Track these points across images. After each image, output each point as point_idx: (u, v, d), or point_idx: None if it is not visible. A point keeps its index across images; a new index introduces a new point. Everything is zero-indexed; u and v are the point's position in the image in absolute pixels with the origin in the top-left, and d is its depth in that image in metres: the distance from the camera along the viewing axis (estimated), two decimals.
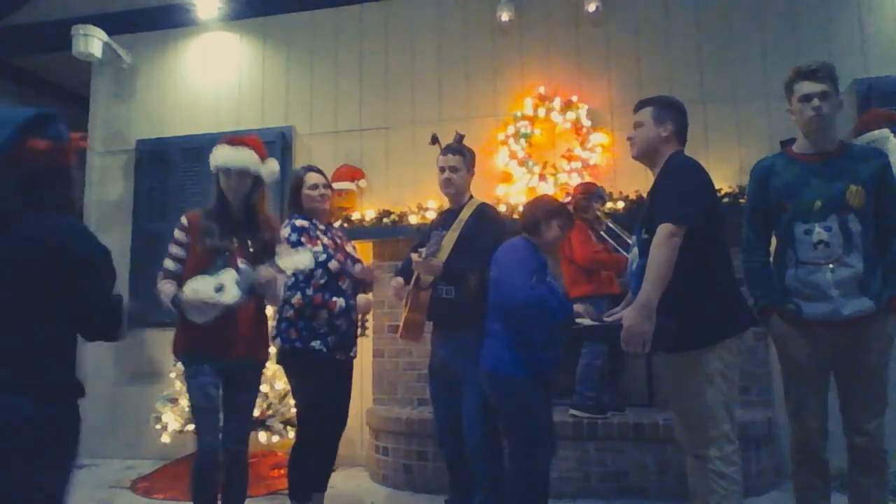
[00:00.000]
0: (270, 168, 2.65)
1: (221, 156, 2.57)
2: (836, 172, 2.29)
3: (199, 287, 2.35)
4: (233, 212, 2.59)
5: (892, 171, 2.35)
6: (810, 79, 2.32)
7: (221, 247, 2.47)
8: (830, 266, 2.25)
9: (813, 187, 2.30)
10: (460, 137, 3.05)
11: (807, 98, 2.32)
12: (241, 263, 2.42)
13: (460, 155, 2.94)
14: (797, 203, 2.31)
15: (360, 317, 3.04)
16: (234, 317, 2.45)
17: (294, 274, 2.65)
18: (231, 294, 2.36)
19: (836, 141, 2.38)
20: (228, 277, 2.38)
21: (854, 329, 2.25)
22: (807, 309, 2.29)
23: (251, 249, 2.53)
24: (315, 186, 2.97)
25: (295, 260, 2.47)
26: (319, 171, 3.05)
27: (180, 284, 2.43)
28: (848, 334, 2.27)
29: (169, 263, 2.55)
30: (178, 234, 2.57)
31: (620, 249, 3.71)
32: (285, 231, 2.82)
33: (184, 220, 2.59)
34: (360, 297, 2.99)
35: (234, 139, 2.65)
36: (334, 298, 2.83)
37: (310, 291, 2.79)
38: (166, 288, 2.48)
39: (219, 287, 2.37)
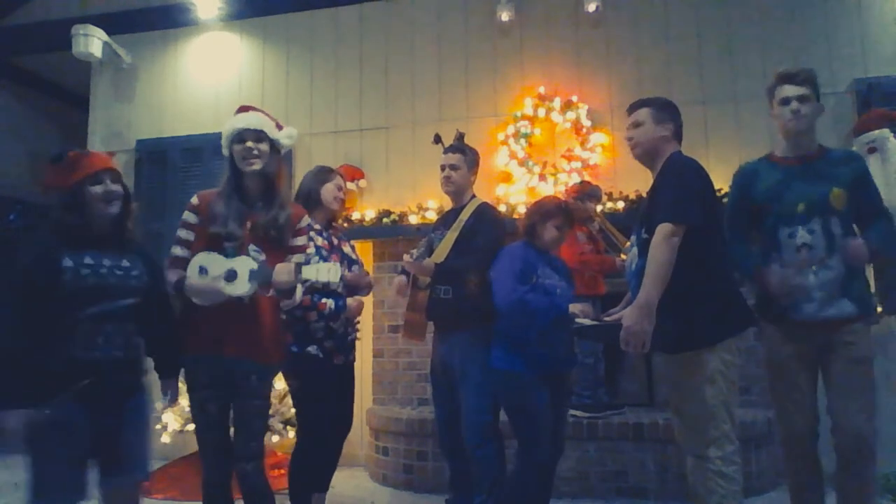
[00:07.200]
0: (287, 133, 2.44)
1: (235, 121, 2.36)
2: (817, 176, 2.33)
3: (209, 268, 2.19)
4: (248, 190, 2.34)
5: (870, 174, 2.41)
6: (790, 82, 2.37)
7: (231, 234, 2.25)
8: (813, 268, 2.28)
9: (795, 190, 2.33)
10: (461, 136, 3.04)
11: (786, 101, 2.36)
12: (252, 251, 2.25)
13: (461, 153, 2.93)
14: (780, 206, 2.34)
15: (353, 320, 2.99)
16: (235, 307, 2.22)
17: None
18: (242, 287, 2.17)
19: (815, 145, 2.42)
20: (243, 266, 2.19)
21: (836, 329, 2.28)
22: (791, 310, 2.32)
23: (266, 232, 2.29)
24: (340, 188, 2.98)
25: (320, 270, 2.20)
26: (343, 177, 3.07)
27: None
28: (831, 334, 2.29)
29: (176, 249, 2.31)
30: (186, 214, 2.33)
31: (611, 250, 3.71)
32: None
33: (194, 199, 2.35)
34: (350, 300, 2.91)
35: (246, 107, 2.46)
36: (324, 300, 2.77)
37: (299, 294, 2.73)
38: (170, 276, 2.27)
39: (230, 273, 2.18)
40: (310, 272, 2.19)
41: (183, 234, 2.33)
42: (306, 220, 2.50)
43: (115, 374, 2.08)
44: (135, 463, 2.14)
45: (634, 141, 2.32)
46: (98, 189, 2.11)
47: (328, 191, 2.93)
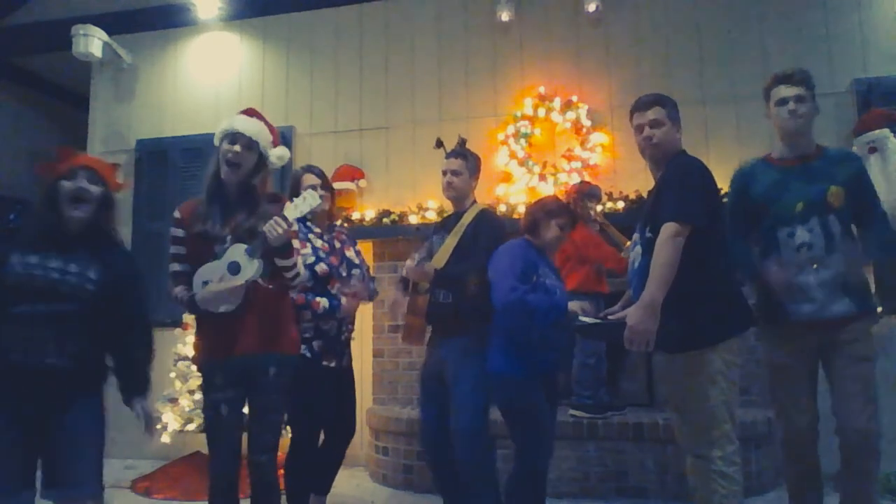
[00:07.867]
0: (279, 154, 2.44)
1: (235, 120, 2.35)
2: (815, 175, 2.35)
3: (211, 276, 2.19)
4: (228, 194, 2.32)
5: (867, 174, 2.43)
6: (785, 83, 2.38)
7: (217, 236, 2.24)
8: (814, 267, 2.29)
9: (793, 190, 2.34)
10: (463, 141, 3.04)
11: (782, 102, 2.38)
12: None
13: (462, 158, 2.92)
14: (778, 207, 2.35)
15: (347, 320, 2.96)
16: (246, 304, 2.22)
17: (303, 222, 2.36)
18: (250, 268, 2.16)
19: (813, 145, 2.43)
20: (238, 253, 2.19)
21: (837, 328, 2.29)
22: (792, 310, 2.33)
23: (247, 234, 2.25)
24: (312, 188, 2.88)
25: (298, 204, 2.19)
26: (317, 173, 3.00)
27: (192, 283, 2.26)
28: (832, 333, 2.30)
29: (174, 266, 2.33)
30: (173, 230, 2.34)
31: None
32: None
33: (176, 213, 2.36)
34: (345, 300, 2.88)
35: (252, 111, 2.44)
36: (317, 298, 2.77)
37: (293, 293, 2.67)
38: (180, 294, 2.29)
39: (233, 266, 2.18)
40: (292, 211, 2.18)
41: (174, 249, 2.34)
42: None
43: (50, 382, 1.96)
44: (78, 477, 2.00)
45: (656, 140, 2.26)
46: (69, 185, 2.03)
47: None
